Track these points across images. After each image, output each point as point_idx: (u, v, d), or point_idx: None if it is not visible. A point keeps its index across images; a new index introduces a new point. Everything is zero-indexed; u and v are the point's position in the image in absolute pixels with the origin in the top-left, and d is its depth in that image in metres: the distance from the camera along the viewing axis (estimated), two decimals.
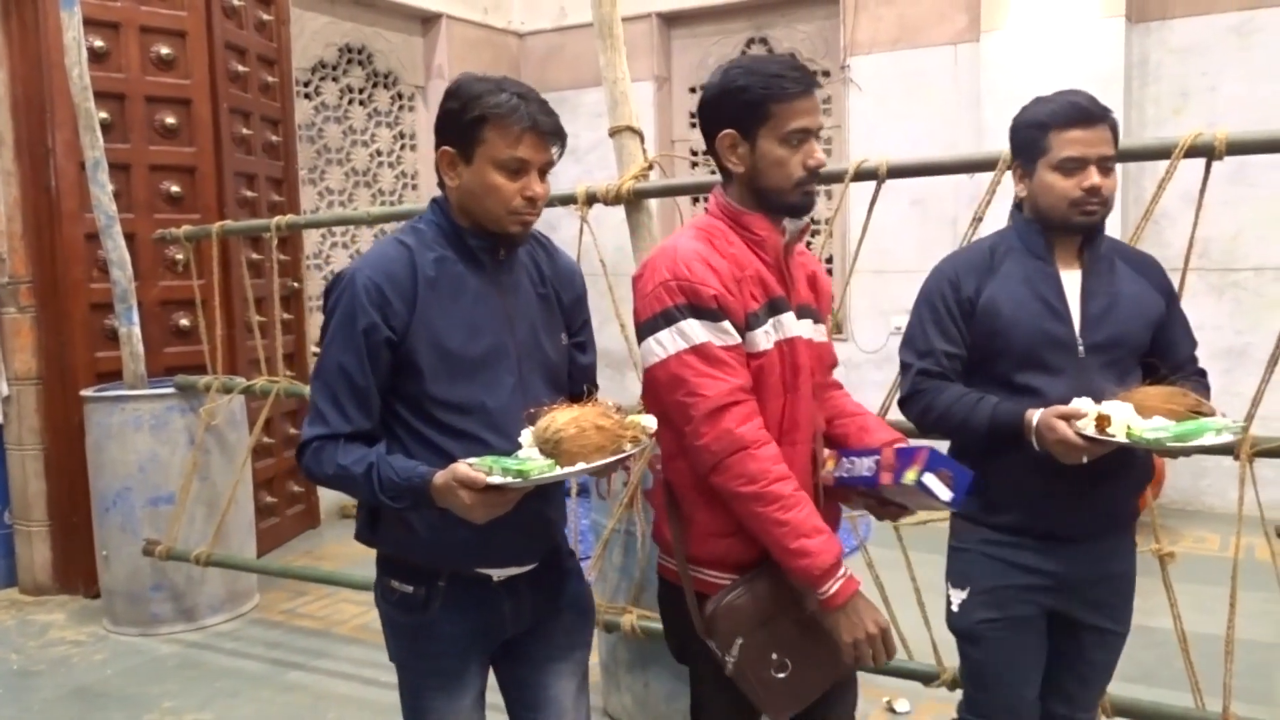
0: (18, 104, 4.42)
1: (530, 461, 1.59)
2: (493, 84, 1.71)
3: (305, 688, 3.63)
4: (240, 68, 4.99)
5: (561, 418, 1.61)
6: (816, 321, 1.88)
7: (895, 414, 2.25)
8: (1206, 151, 2.37)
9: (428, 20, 6.72)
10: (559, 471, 1.58)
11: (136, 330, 4.25)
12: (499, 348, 1.77)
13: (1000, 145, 2.32)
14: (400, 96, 6.73)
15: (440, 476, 1.61)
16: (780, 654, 1.71)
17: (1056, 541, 2.00)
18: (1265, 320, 4.93)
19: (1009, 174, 2.13)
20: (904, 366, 2.09)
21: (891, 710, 3.29)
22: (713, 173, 1.88)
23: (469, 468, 1.58)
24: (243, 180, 5.01)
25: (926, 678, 2.81)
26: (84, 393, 4.26)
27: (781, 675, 1.71)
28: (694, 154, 6.76)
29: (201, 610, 4.23)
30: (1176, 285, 2.19)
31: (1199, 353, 2.11)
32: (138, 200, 4.58)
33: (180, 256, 4.55)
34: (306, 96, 6.16)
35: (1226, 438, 1.79)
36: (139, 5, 4.56)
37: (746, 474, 1.65)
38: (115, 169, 4.27)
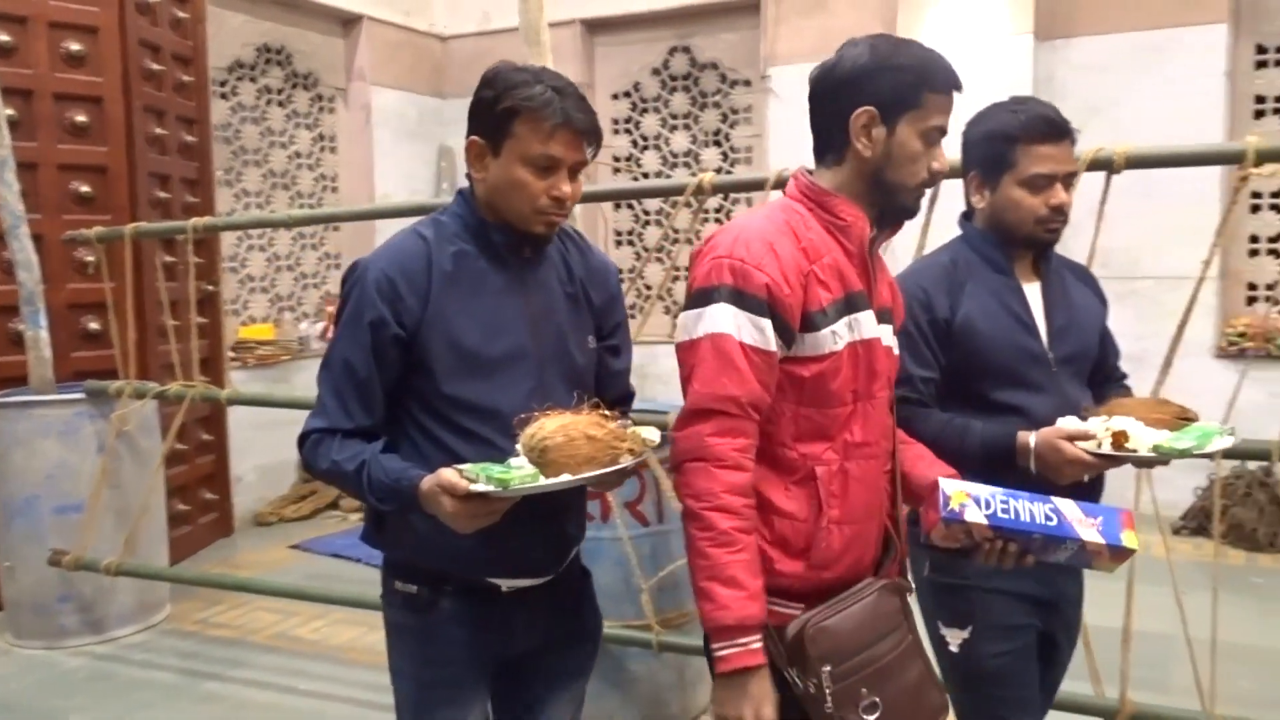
0: None
1: (513, 470, 1.49)
2: (529, 75, 1.63)
3: (223, 698, 3.56)
4: (155, 66, 4.88)
5: (550, 425, 1.51)
6: (895, 332, 1.72)
7: None
8: (1106, 165, 2.48)
9: (348, 21, 6.65)
10: (542, 483, 1.47)
11: (44, 334, 4.13)
12: (518, 349, 1.68)
13: None
14: (321, 98, 6.64)
15: (426, 481, 1.53)
16: (870, 690, 1.50)
17: (1043, 565, 1.84)
18: (1163, 327, 5.12)
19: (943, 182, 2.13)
20: None
21: None
22: (635, 179, 1.86)
23: (453, 473, 1.50)
24: (156, 181, 4.90)
25: None
26: None
27: (871, 718, 1.49)
28: (616, 160, 6.81)
29: (111, 621, 4.11)
30: None
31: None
32: (46, 200, 4.45)
33: (91, 259, 4.42)
34: (223, 96, 6.05)
35: (1228, 440, 1.74)
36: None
37: (694, 489, 1.49)
38: (22, 168, 4.12)
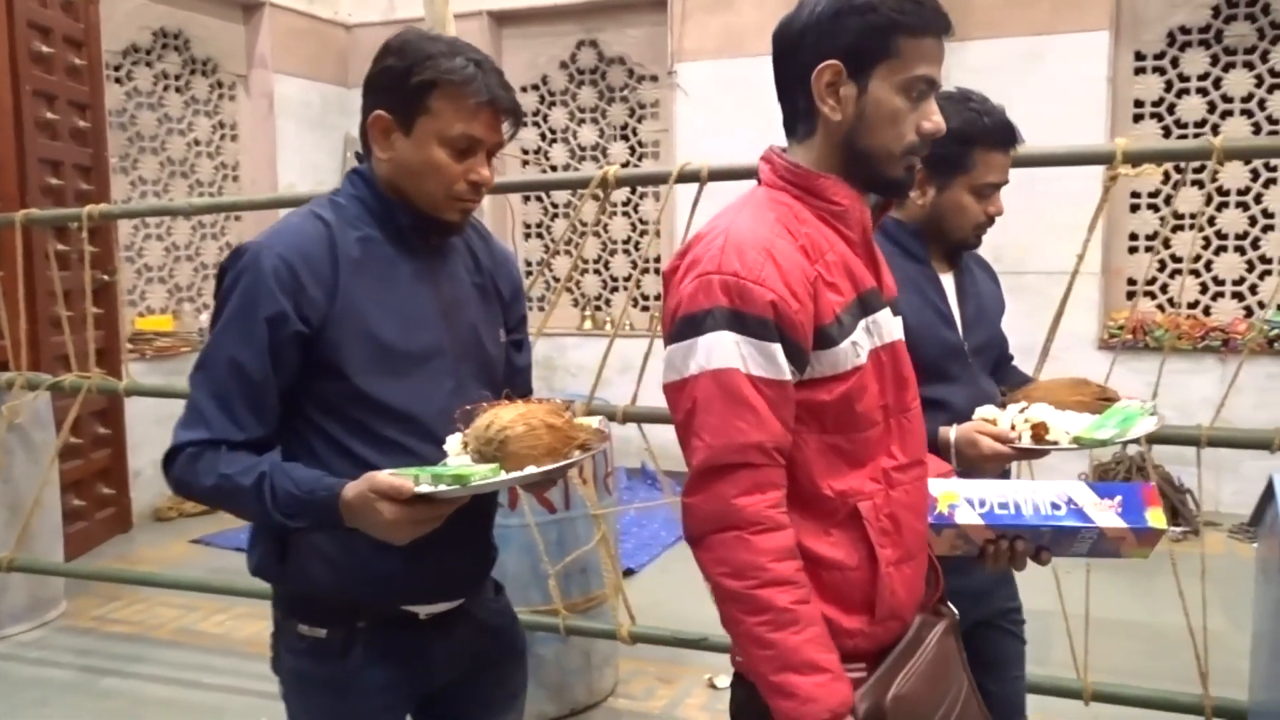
0: None
1: (469, 467, 1.35)
2: (445, 45, 1.46)
3: (122, 694, 3.50)
4: (44, 48, 4.72)
5: (506, 415, 1.37)
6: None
7: None
8: None
9: (249, 8, 6.52)
10: (504, 477, 1.33)
11: None
12: (435, 344, 1.52)
13: None
14: (220, 85, 6.50)
15: (352, 489, 1.34)
16: None
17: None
18: (1050, 319, 5.41)
19: None
20: None
21: (713, 686, 3.46)
22: (577, 168, 1.75)
23: (392, 476, 1.32)
24: (47, 167, 4.75)
25: None
26: None
27: None
28: (525, 152, 6.82)
29: (3, 619, 4.00)
30: None
31: None
32: None
33: None
34: (118, 81, 5.89)
35: (1152, 422, 1.70)
36: None
37: (732, 565, 1.22)
38: None
